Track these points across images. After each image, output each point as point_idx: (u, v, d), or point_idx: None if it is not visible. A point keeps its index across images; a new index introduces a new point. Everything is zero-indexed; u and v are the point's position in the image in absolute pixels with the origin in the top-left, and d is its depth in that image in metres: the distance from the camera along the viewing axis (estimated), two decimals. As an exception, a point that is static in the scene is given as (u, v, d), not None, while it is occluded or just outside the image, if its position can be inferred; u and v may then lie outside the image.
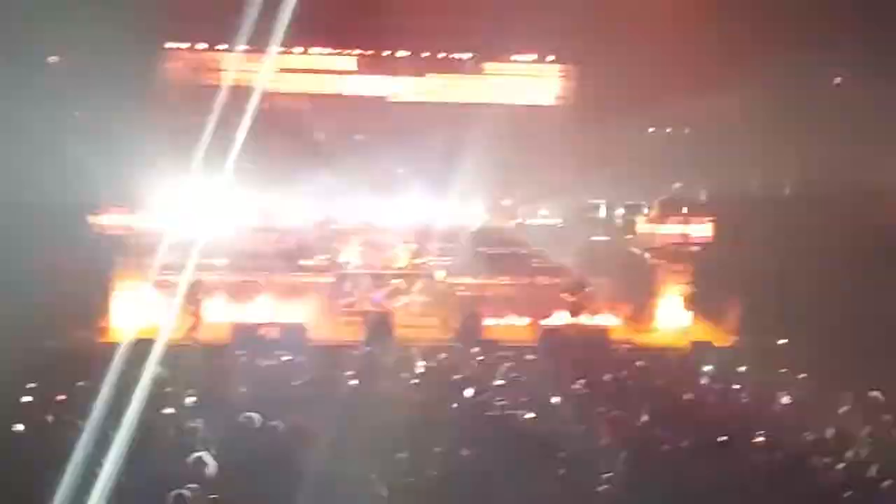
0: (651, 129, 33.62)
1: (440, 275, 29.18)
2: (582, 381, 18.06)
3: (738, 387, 18.38)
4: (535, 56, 33.87)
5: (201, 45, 32.50)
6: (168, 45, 32.13)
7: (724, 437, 13.92)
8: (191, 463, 11.92)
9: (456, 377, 18.45)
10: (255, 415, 13.90)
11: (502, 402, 16.04)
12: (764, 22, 28.35)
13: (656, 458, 13.08)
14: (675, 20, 28.36)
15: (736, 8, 28.49)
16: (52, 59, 29.49)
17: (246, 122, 31.90)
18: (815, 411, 15.98)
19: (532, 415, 15.18)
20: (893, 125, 26.76)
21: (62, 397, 15.63)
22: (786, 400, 17.04)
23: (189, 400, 16.07)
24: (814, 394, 17.51)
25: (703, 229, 27.92)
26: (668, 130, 33.03)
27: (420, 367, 20.08)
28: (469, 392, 17.06)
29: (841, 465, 12.89)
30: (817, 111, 29.48)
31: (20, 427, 13.67)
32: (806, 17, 27.82)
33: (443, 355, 21.76)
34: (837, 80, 31.33)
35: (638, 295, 29.10)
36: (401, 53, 33.52)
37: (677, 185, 28.13)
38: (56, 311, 24.66)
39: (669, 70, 29.33)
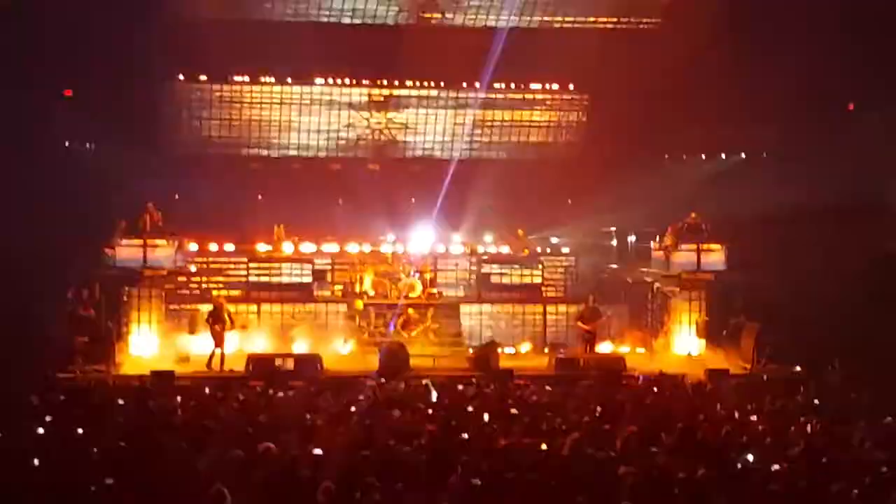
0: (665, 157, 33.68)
1: (454, 304, 29.18)
2: (598, 410, 18.04)
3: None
4: (549, 86, 33.89)
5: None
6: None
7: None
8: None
9: (471, 408, 18.38)
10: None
11: (517, 432, 16.00)
12: (776, 49, 28.40)
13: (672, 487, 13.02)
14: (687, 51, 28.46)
15: (748, 35, 28.59)
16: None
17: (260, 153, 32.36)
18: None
19: (545, 446, 15.12)
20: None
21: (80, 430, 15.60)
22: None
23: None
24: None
25: (717, 256, 27.81)
26: (683, 157, 33.11)
27: (434, 397, 20.04)
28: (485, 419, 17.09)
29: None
30: (830, 136, 29.53)
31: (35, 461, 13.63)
32: (818, 44, 27.90)
33: (459, 386, 21.74)
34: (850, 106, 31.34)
35: (652, 323, 29.04)
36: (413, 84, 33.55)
37: (693, 214, 28.04)
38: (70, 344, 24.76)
39: (682, 99, 29.42)
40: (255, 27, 29.83)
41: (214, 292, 28.75)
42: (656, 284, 29.18)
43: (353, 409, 18.33)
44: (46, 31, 27.04)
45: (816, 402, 19.86)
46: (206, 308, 26.59)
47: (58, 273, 26.03)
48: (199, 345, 26.19)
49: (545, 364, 26.68)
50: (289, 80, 32.68)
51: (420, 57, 30.23)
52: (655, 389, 22.06)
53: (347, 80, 32.98)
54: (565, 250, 32.39)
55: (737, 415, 18.38)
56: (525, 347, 28.50)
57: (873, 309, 27.19)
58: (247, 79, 32.46)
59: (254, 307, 28.45)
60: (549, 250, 32.23)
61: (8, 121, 26.52)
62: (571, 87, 33.86)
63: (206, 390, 20.63)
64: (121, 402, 18.76)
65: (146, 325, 26.58)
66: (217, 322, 25.63)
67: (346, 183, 32.55)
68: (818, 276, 27.48)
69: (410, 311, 28.45)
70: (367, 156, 33.48)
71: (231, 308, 26.28)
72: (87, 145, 30.09)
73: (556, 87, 33.79)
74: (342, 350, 27.56)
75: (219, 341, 25.50)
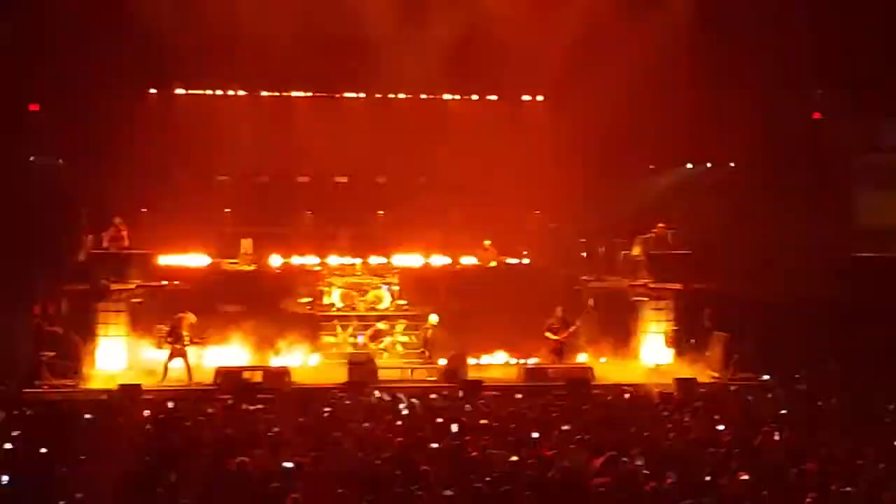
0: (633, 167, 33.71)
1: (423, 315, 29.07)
2: (567, 422, 18.08)
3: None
4: (513, 93, 33.90)
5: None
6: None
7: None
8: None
9: (440, 419, 18.38)
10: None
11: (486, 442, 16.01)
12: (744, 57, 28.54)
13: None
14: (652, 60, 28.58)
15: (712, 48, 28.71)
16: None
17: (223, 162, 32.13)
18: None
19: (515, 457, 15.13)
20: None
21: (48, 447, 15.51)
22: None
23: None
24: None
25: (684, 266, 27.86)
26: (651, 167, 33.15)
27: (403, 408, 20.01)
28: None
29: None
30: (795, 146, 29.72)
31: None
32: (783, 54, 28.09)
33: (432, 395, 21.76)
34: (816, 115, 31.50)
35: (621, 333, 29.04)
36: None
37: (660, 224, 28.11)
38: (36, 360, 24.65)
39: (647, 110, 29.45)
40: (227, 40, 29.47)
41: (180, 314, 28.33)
42: (624, 294, 29.21)
43: (321, 421, 18.33)
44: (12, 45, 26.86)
45: (784, 411, 19.97)
46: (169, 322, 26.36)
47: (24, 288, 25.89)
48: (165, 358, 26.02)
49: (514, 375, 26.73)
50: (262, 92, 32.53)
51: (384, 66, 30.04)
52: (625, 398, 22.20)
53: (314, 92, 32.83)
54: (528, 262, 32.33)
55: (705, 424, 18.46)
56: (494, 358, 28.46)
57: (841, 318, 27.38)
58: (218, 92, 32.27)
59: (221, 320, 28.23)
60: (517, 261, 32.17)
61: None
62: (534, 93, 33.86)
63: (171, 404, 20.55)
64: (88, 416, 18.71)
65: (114, 340, 26.37)
66: (174, 338, 25.58)
67: (313, 195, 32.42)
68: (787, 284, 27.63)
69: (378, 322, 28.48)
70: (334, 168, 33.22)
71: (192, 318, 26.13)
72: (57, 160, 29.77)
73: (525, 96, 33.81)
74: (310, 362, 27.53)
75: (177, 354, 25.46)
